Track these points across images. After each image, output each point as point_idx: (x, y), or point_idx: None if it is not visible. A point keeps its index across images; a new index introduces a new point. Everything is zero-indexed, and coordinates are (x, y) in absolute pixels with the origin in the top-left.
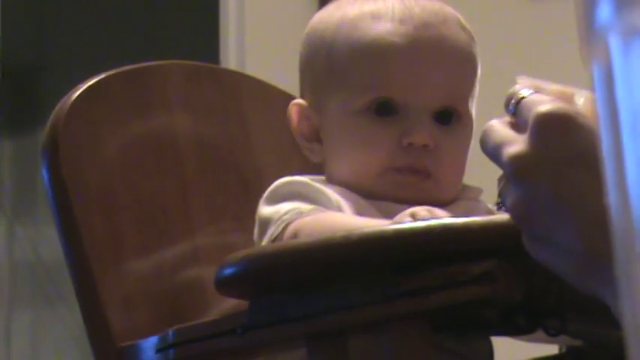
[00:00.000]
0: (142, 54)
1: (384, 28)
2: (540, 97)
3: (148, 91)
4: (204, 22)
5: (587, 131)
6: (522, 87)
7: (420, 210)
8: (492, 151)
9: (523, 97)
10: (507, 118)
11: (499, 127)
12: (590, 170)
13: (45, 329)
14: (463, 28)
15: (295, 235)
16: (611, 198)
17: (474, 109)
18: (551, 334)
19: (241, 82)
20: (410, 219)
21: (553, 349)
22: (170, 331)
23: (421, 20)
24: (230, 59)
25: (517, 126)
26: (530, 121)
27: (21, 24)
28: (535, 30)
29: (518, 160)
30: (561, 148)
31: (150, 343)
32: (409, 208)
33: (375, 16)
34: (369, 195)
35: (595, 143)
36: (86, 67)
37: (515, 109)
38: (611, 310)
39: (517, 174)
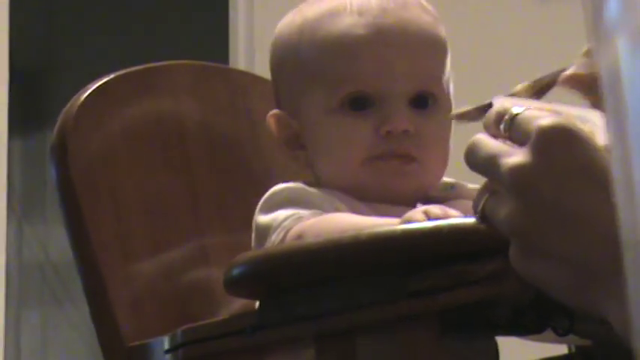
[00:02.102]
0: (151, 55)
1: (344, 23)
2: (538, 113)
3: (156, 91)
4: (213, 22)
5: (588, 144)
6: (513, 105)
7: (433, 208)
8: (485, 162)
9: (517, 114)
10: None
11: (489, 139)
12: (592, 182)
13: (54, 329)
14: (425, 10)
15: (299, 239)
16: (620, 203)
17: (452, 91)
18: (560, 334)
19: (250, 82)
20: (422, 215)
21: (562, 349)
22: (179, 331)
23: (380, 8)
24: (239, 60)
25: (509, 141)
26: (534, 133)
27: (30, 26)
28: (543, 31)
29: (520, 171)
30: (565, 161)
31: (158, 343)
32: (407, 209)
33: (334, 13)
34: (361, 195)
35: (596, 156)
36: (95, 67)
37: (509, 126)
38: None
39: (519, 185)
